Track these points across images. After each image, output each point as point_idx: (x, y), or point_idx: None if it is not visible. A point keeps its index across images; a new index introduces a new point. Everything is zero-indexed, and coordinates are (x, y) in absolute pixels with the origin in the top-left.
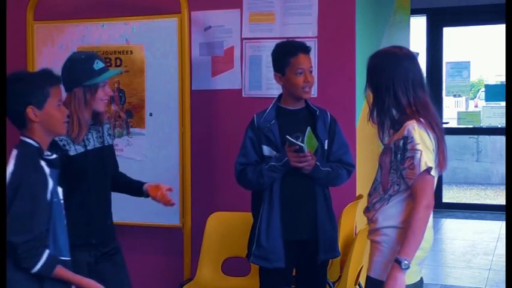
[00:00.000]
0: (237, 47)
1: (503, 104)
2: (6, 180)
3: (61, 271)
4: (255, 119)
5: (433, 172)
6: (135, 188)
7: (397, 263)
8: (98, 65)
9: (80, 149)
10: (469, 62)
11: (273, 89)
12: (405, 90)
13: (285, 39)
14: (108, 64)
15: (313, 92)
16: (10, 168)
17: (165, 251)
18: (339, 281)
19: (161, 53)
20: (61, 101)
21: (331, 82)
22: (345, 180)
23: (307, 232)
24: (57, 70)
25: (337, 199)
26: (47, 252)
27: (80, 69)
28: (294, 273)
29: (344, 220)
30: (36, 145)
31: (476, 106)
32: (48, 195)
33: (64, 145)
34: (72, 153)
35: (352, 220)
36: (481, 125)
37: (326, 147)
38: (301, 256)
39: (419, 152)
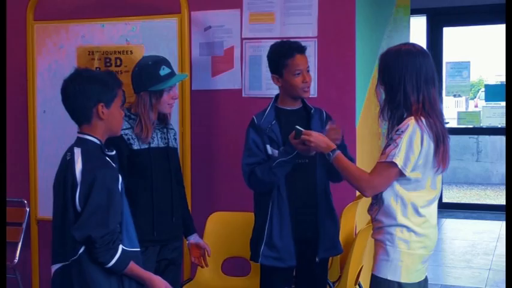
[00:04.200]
0: (237, 47)
1: (503, 104)
2: (77, 178)
3: (133, 267)
4: (255, 120)
5: (399, 166)
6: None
7: (330, 152)
8: (164, 70)
9: (143, 145)
10: (469, 62)
11: (273, 89)
12: (416, 86)
13: (282, 40)
14: (108, 64)
15: (313, 92)
16: (79, 166)
17: None
18: (339, 281)
19: (161, 53)
20: (122, 103)
21: (331, 82)
22: None
23: (309, 230)
24: (57, 70)
25: (337, 199)
26: (121, 246)
27: (146, 75)
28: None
29: (344, 220)
30: (98, 142)
31: (476, 106)
32: (119, 188)
33: (129, 139)
34: (135, 147)
35: (352, 220)
36: (481, 125)
37: None
38: (303, 255)
39: (398, 146)
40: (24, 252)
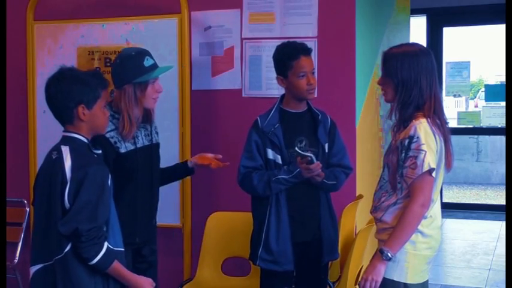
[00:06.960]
0: (237, 47)
1: (503, 104)
2: (67, 175)
3: (118, 266)
4: (259, 121)
5: (433, 173)
6: (181, 170)
7: (380, 252)
8: (148, 61)
9: (130, 147)
10: (469, 62)
11: (273, 89)
12: (429, 83)
13: (285, 40)
14: (108, 64)
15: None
16: (68, 163)
17: (165, 251)
18: (339, 281)
19: (161, 53)
20: (106, 103)
21: (331, 82)
22: (343, 183)
23: (311, 233)
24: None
25: (337, 199)
26: (106, 244)
27: (130, 67)
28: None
29: (344, 220)
30: (85, 140)
31: (476, 106)
32: (109, 184)
33: (115, 142)
34: (123, 150)
35: (352, 220)
36: (481, 125)
37: (326, 151)
38: (304, 257)
39: (424, 152)
40: (24, 252)
